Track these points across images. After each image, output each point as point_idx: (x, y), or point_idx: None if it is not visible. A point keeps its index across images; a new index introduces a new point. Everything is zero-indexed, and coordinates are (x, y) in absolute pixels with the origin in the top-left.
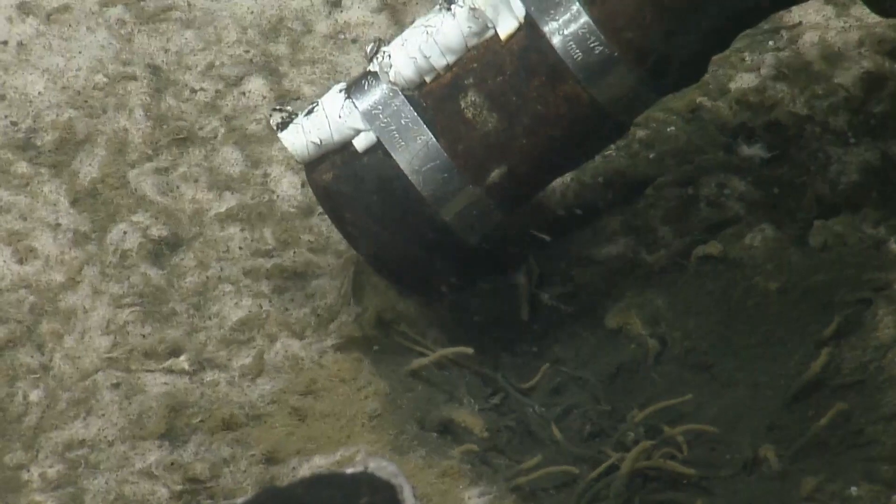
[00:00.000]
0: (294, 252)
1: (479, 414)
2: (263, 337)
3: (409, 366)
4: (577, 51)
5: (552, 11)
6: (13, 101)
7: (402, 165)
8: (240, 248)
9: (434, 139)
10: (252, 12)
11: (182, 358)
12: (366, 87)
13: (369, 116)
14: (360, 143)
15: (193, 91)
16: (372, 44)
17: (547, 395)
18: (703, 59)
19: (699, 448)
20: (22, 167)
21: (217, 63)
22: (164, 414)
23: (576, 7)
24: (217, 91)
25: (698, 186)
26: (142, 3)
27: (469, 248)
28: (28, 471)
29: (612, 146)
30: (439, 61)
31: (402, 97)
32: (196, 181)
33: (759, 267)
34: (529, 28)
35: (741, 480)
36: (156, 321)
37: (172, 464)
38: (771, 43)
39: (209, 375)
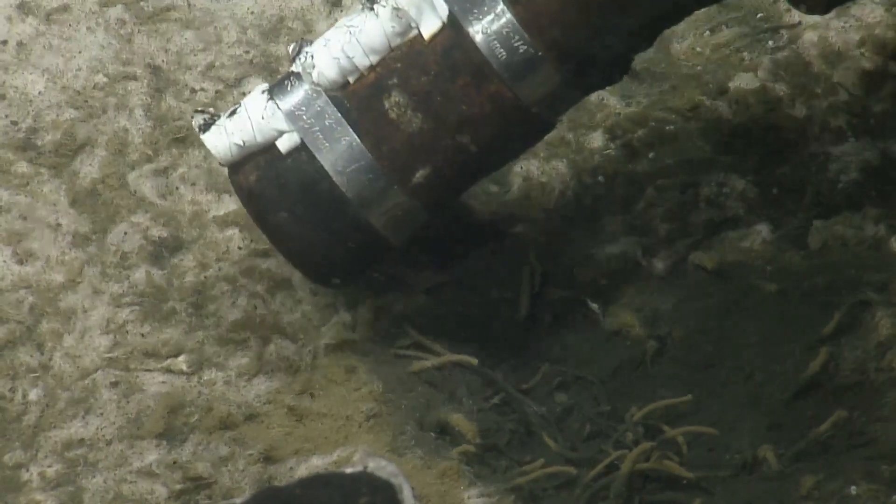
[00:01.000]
0: None
1: (475, 417)
2: (258, 338)
3: (410, 367)
4: (502, 50)
5: (476, 11)
6: (13, 100)
7: (327, 167)
8: (239, 248)
9: (358, 140)
10: (252, 12)
11: (180, 358)
12: (289, 88)
13: (293, 117)
14: (284, 144)
15: (193, 91)
16: (294, 44)
17: (547, 395)
18: (628, 57)
19: (699, 448)
20: (22, 167)
21: (217, 63)
22: (162, 413)
23: (500, 6)
24: (217, 91)
25: (698, 186)
26: (142, 3)
27: (393, 247)
28: (27, 470)
29: (612, 146)
30: (363, 61)
31: (326, 98)
32: (195, 183)
33: (758, 267)
34: (453, 27)
35: (741, 480)
36: (155, 321)
37: (171, 463)
38: (770, 43)
39: (207, 375)
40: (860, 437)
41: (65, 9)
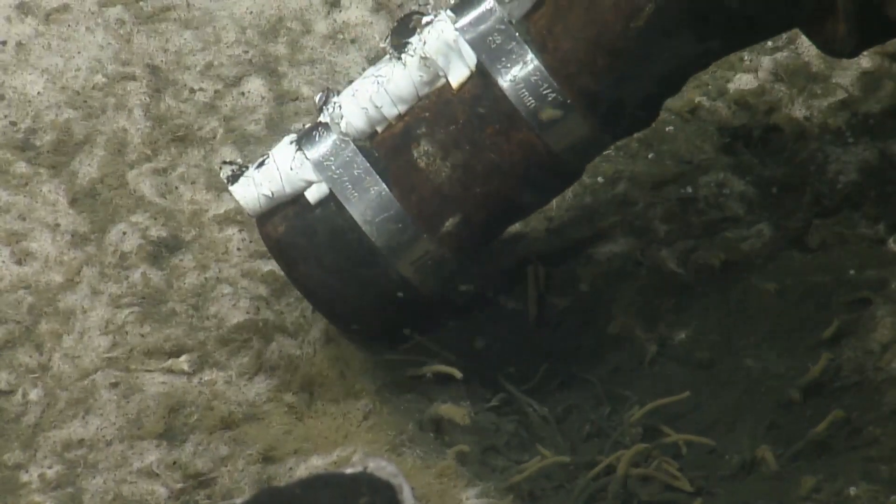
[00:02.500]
0: None
1: (475, 416)
2: (260, 338)
3: (407, 372)
4: (530, 98)
5: (504, 59)
6: (12, 101)
7: (356, 217)
8: (238, 248)
9: (387, 189)
10: (251, 12)
11: (182, 359)
12: (317, 139)
13: (321, 168)
14: (313, 194)
15: (192, 91)
16: (321, 93)
17: (547, 395)
18: (656, 102)
19: (698, 448)
20: (21, 167)
21: (216, 63)
22: (162, 414)
23: (528, 54)
24: (216, 91)
25: (698, 186)
26: (141, 3)
27: (424, 296)
28: (27, 471)
29: (612, 148)
30: (391, 111)
31: (354, 148)
32: (195, 182)
33: (758, 267)
34: (481, 76)
35: (740, 480)
36: (155, 321)
37: (172, 463)
38: (770, 43)
39: (207, 375)
40: (859, 438)
41: (64, 9)
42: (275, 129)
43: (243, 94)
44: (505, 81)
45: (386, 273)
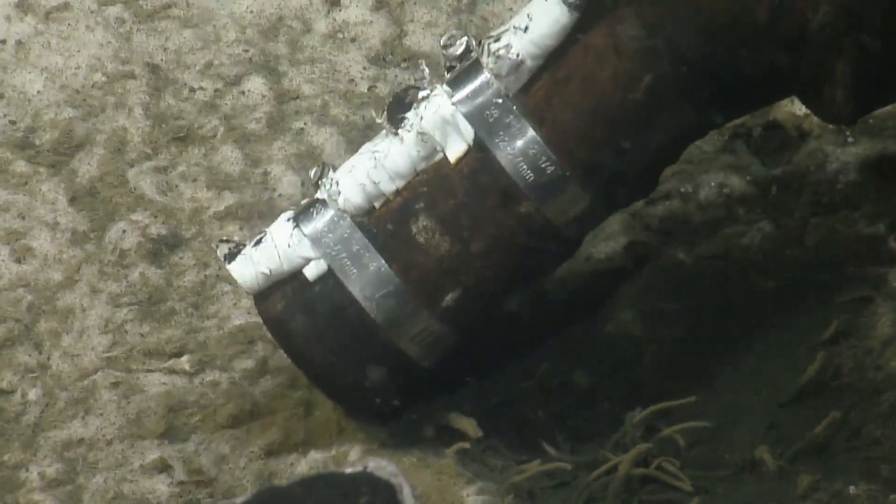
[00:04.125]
0: None
1: (466, 409)
2: (266, 343)
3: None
4: (529, 171)
5: (501, 132)
6: (12, 99)
7: (355, 293)
8: None
9: (386, 265)
10: (251, 11)
11: (183, 359)
12: (314, 215)
13: (319, 244)
14: (311, 271)
15: (192, 90)
16: (316, 168)
17: (547, 396)
18: (654, 173)
19: (698, 448)
20: (21, 166)
21: (216, 62)
22: (163, 413)
23: (526, 127)
24: (216, 90)
25: (698, 185)
26: (140, 1)
27: (425, 371)
28: (27, 470)
29: None
30: (388, 186)
31: (352, 224)
32: (195, 180)
33: (757, 266)
34: (479, 150)
35: (739, 480)
36: (154, 321)
37: (174, 462)
38: None
39: (209, 376)
40: (859, 437)
41: (64, 7)
42: (275, 128)
43: (243, 92)
44: (503, 155)
45: (386, 349)
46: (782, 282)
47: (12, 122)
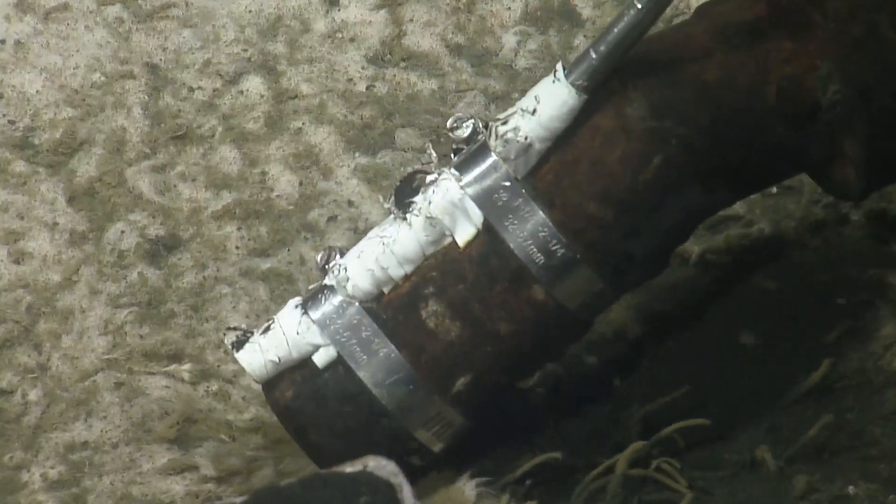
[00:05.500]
0: (289, 251)
1: None
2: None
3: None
4: (539, 254)
5: (511, 216)
6: (11, 99)
7: (365, 380)
8: (236, 247)
9: (396, 351)
10: (250, 11)
11: (184, 364)
12: (322, 301)
13: (328, 331)
14: (320, 358)
15: (191, 89)
16: (322, 252)
17: (547, 396)
18: (666, 253)
19: (698, 448)
20: (19, 166)
21: (215, 61)
22: (165, 416)
23: (535, 210)
24: (215, 89)
25: None
26: (140, 1)
27: (437, 456)
28: (28, 471)
29: None
30: (397, 272)
31: (361, 310)
32: (194, 180)
33: (759, 266)
34: (488, 234)
35: (739, 480)
36: (154, 322)
37: (176, 465)
38: None
39: (209, 376)
40: (859, 437)
41: (63, 7)
42: (274, 128)
43: (242, 92)
44: (512, 238)
45: (397, 436)
46: (783, 283)
47: (11, 122)
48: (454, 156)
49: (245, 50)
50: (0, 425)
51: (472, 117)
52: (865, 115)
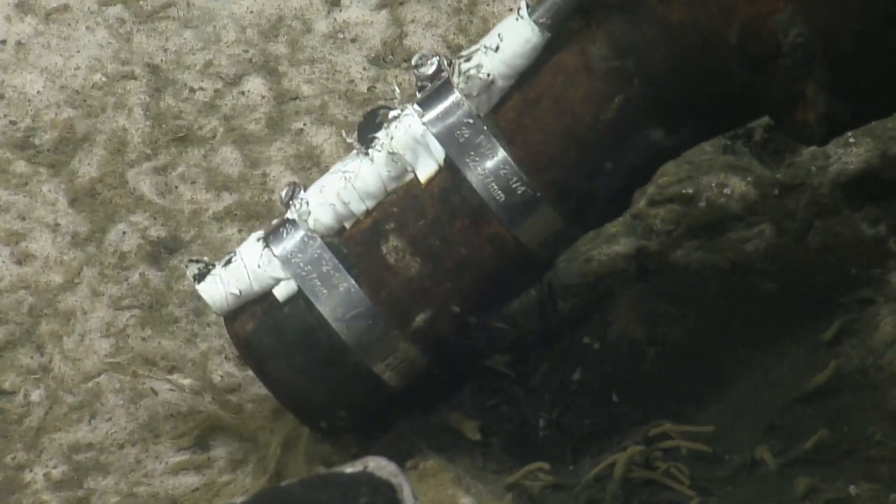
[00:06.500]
0: None
1: (475, 415)
2: None
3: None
4: (499, 191)
5: (472, 153)
6: (12, 100)
7: (325, 314)
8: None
9: (356, 286)
10: (251, 11)
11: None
12: (284, 235)
13: (289, 265)
14: (281, 292)
15: (192, 90)
16: (286, 188)
17: (547, 396)
18: (627, 194)
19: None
20: (21, 166)
21: (216, 62)
22: (166, 416)
23: (497, 148)
24: (216, 90)
25: (698, 186)
26: (141, 2)
27: (396, 392)
28: (31, 471)
29: None
30: (359, 207)
31: (322, 244)
32: (194, 181)
33: (759, 267)
34: (450, 170)
35: (739, 481)
36: (155, 328)
37: (185, 466)
38: None
39: (210, 377)
40: (859, 437)
41: (64, 8)
42: (275, 129)
43: (243, 93)
44: (474, 175)
45: (356, 370)
46: (784, 283)
47: (12, 123)
48: (418, 93)
49: (246, 51)
50: (2, 426)
51: (436, 55)
52: (827, 60)
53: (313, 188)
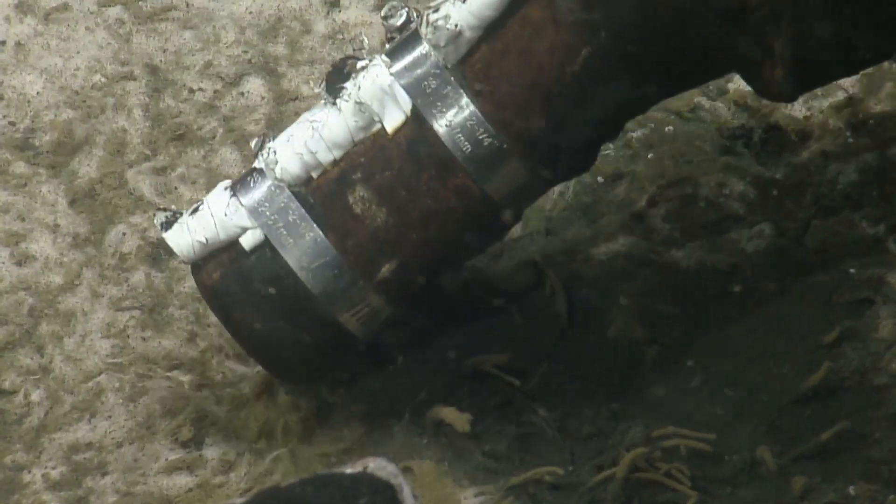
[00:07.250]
0: None
1: (475, 415)
2: None
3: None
4: (466, 143)
5: (439, 104)
6: (11, 101)
7: (291, 263)
8: None
9: (323, 235)
10: (250, 12)
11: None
12: (252, 185)
13: (256, 214)
14: (247, 241)
15: (192, 91)
16: (257, 139)
17: (547, 396)
18: (594, 147)
19: (698, 450)
20: (20, 167)
21: (215, 63)
22: (166, 416)
23: (463, 99)
24: (215, 91)
25: (698, 186)
26: (140, 2)
27: (362, 342)
28: (30, 471)
29: (611, 146)
30: (326, 156)
31: (289, 193)
32: (194, 182)
33: (758, 267)
34: (416, 121)
35: (739, 481)
36: (156, 329)
37: (180, 466)
38: None
39: (211, 377)
40: (859, 437)
41: (63, 8)
42: (274, 129)
43: (243, 93)
44: (440, 126)
45: (322, 320)
46: (783, 283)
47: (12, 124)
48: (387, 44)
49: (245, 51)
50: (2, 426)
51: (405, 6)
52: (795, 15)
53: (281, 137)
